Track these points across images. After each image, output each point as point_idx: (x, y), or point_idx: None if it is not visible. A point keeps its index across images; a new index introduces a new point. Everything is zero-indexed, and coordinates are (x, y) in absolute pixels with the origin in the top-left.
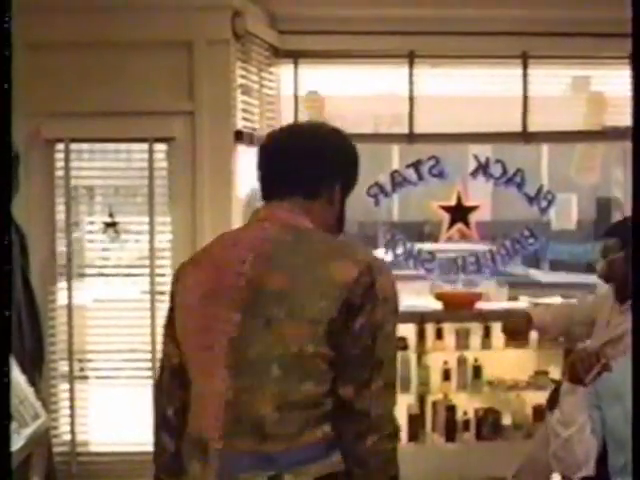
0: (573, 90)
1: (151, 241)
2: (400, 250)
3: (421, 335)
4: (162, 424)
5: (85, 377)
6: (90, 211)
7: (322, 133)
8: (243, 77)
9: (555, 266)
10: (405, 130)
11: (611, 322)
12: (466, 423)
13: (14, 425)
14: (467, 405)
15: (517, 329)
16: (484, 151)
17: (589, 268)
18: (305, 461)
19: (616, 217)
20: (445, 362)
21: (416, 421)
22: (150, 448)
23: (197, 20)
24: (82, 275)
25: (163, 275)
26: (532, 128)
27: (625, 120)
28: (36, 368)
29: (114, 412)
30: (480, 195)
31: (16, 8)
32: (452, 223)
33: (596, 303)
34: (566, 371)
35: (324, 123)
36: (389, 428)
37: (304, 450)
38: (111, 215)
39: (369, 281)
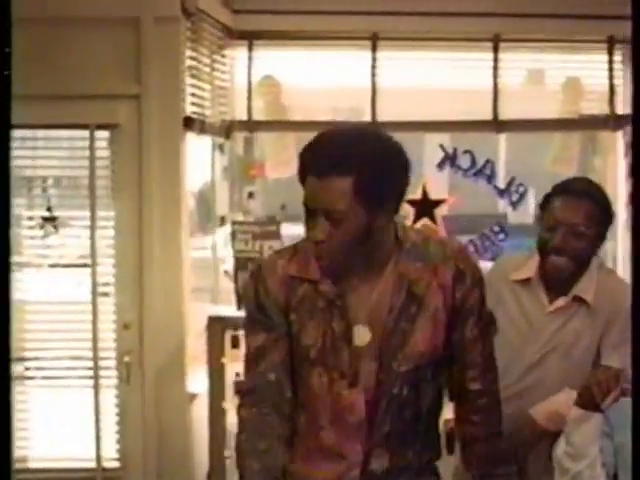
0: (540, 78)
1: (92, 237)
2: None
3: None
4: None
5: (27, 379)
6: (29, 204)
7: None
8: (193, 59)
9: None
10: (366, 119)
11: (536, 323)
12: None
13: None
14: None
15: None
16: (443, 140)
17: None
18: None
19: None
20: None
21: None
22: (94, 464)
23: None
24: (20, 274)
25: (106, 274)
26: (503, 116)
27: (602, 108)
28: None
29: (54, 424)
30: (442, 188)
31: None
32: (417, 218)
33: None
34: (578, 394)
35: None
36: None
37: None
38: (49, 209)
39: None
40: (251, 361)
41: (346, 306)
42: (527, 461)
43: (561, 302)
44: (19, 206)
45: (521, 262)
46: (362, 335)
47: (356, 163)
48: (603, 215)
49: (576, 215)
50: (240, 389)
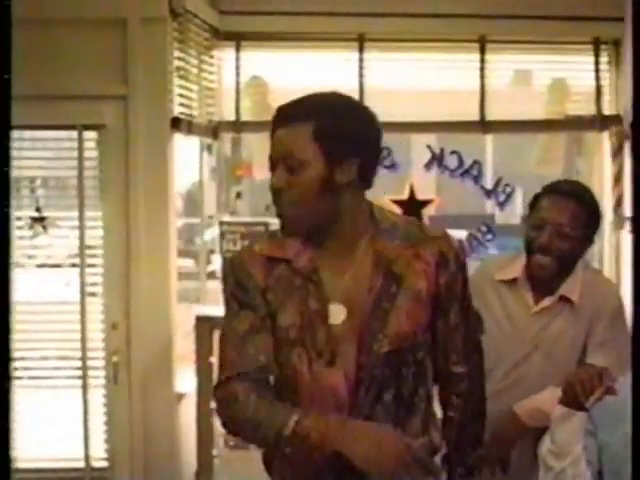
0: (526, 79)
1: (81, 237)
2: None
3: None
4: None
5: (15, 379)
6: (18, 204)
7: None
8: (181, 59)
9: None
10: None
11: (520, 323)
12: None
13: None
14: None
15: None
16: (430, 141)
17: None
18: None
19: None
20: None
21: None
22: (82, 464)
23: None
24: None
25: (94, 274)
26: (490, 117)
27: (589, 109)
28: None
29: (42, 424)
30: (430, 188)
31: None
32: None
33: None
34: (562, 393)
35: None
36: None
37: None
38: (38, 209)
39: None
40: (238, 345)
41: (321, 283)
42: (512, 458)
43: (547, 302)
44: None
45: (506, 262)
46: (337, 313)
47: (315, 109)
48: (590, 218)
49: (562, 216)
50: (228, 375)
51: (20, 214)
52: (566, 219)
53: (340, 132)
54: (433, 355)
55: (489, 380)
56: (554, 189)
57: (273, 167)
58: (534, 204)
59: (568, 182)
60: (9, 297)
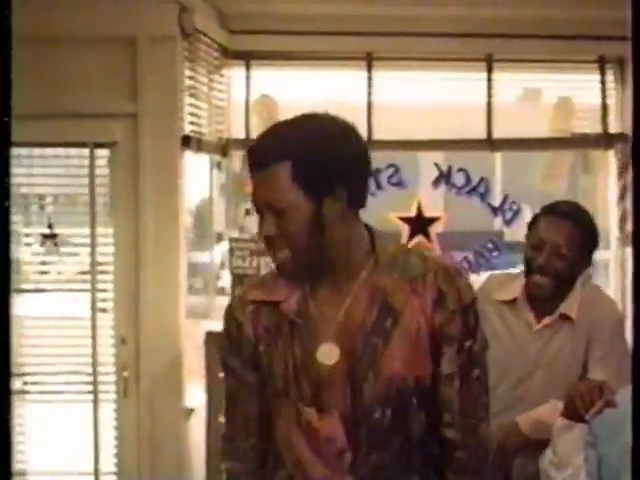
0: (532, 97)
1: (92, 254)
2: None
3: None
4: None
5: (25, 393)
6: (27, 221)
7: None
8: (191, 78)
9: None
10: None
11: (523, 342)
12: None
13: None
14: None
15: None
16: (437, 159)
17: None
18: None
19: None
20: None
21: None
22: (92, 478)
23: (141, 15)
24: (19, 290)
25: (105, 290)
26: (497, 135)
27: (594, 127)
28: None
29: (53, 437)
30: (437, 205)
31: None
32: (412, 235)
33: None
34: (563, 405)
35: None
36: None
37: None
38: (50, 226)
39: None
40: (228, 407)
41: (309, 324)
42: (514, 469)
43: (547, 320)
44: (17, 223)
45: (507, 282)
46: (328, 354)
47: (292, 148)
48: (588, 239)
49: (560, 237)
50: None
51: (30, 231)
52: (563, 240)
53: (322, 167)
54: (426, 412)
55: (495, 396)
56: (552, 210)
57: (259, 211)
58: (532, 224)
59: (566, 203)
60: (9, 313)
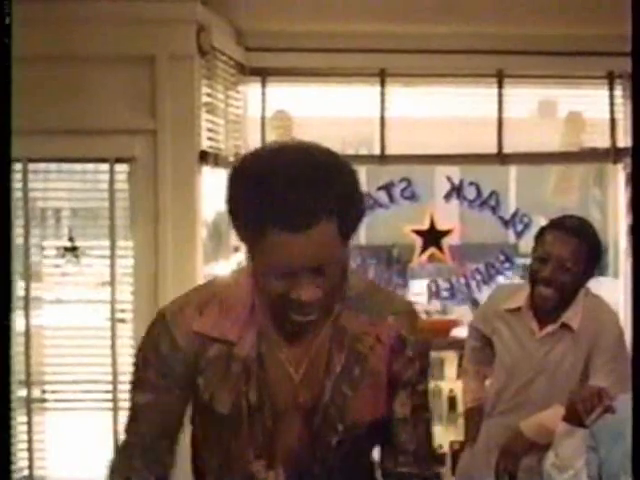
0: (543, 112)
1: (112, 266)
2: (371, 275)
3: None
4: None
5: (43, 404)
6: (48, 234)
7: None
8: (208, 95)
9: None
10: (375, 151)
11: (528, 348)
12: (442, 457)
13: None
14: (442, 438)
15: None
16: (451, 172)
17: None
18: None
19: None
20: None
21: None
22: None
23: (160, 34)
24: (40, 301)
25: (124, 301)
26: (507, 149)
27: (604, 141)
28: None
29: (73, 445)
30: (449, 218)
31: None
32: (425, 247)
33: (493, 317)
34: (565, 411)
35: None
36: None
37: None
38: (71, 239)
39: None
40: (131, 419)
41: (267, 372)
42: (518, 474)
43: (549, 329)
44: (37, 236)
45: (512, 292)
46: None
47: (334, 200)
48: (591, 253)
49: (565, 250)
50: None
51: (52, 243)
52: (568, 254)
53: (359, 216)
54: (381, 454)
55: (501, 397)
56: (559, 224)
57: (289, 274)
58: (539, 237)
59: (573, 218)
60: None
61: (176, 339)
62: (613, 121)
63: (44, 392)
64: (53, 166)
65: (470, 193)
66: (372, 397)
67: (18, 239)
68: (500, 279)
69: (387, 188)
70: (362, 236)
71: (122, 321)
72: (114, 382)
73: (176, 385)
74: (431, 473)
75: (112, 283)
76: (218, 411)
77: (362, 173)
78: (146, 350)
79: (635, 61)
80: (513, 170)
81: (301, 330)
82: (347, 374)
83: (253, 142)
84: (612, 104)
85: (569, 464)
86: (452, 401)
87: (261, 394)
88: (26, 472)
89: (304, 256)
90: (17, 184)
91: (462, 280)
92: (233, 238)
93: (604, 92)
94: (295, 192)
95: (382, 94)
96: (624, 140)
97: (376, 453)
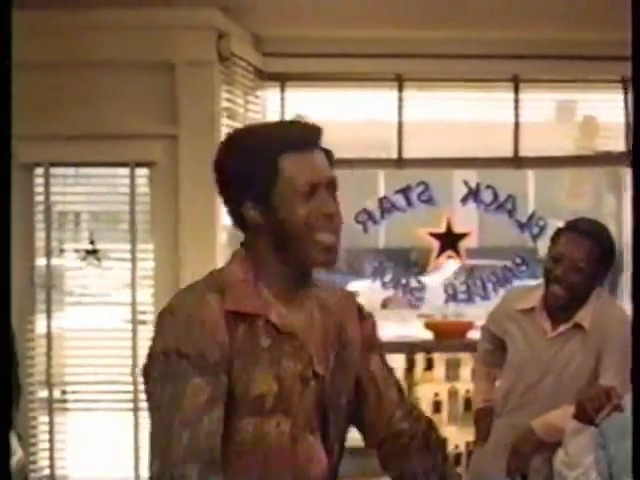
0: (558, 116)
1: (133, 269)
2: (388, 278)
3: (410, 366)
4: None
5: (65, 404)
6: (69, 237)
7: None
8: (227, 100)
9: None
10: (392, 155)
11: (538, 348)
12: (458, 457)
13: None
14: (459, 438)
15: None
16: (468, 176)
17: None
18: None
19: None
20: (436, 394)
21: None
22: None
23: (180, 41)
24: (62, 303)
25: (144, 303)
26: (523, 153)
27: (618, 145)
28: (13, 400)
29: (94, 445)
30: (466, 221)
31: None
32: (442, 250)
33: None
34: (574, 409)
35: None
36: None
37: None
38: (92, 242)
39: None
40: (193, 419)
41: (298, 340)
42: (529, 471)
43: (562, 329)
44: (58, 239)
45: (526, 293)
46: (317, 370)
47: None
48: (604, 255)
49: (578, 251)
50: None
51: (73, 246)
52: (582, 255)
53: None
54: (372, 415)
55: (509, 397)
56: (574, 226)
57: (310, 193)
58: (554, 238)
59: (587, 221)
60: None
61: (206, 324)
62: (627, 125)
63: (65, 393)
64: (71, 170)
65: (487, 197)
66: (356, 361)
67: (39, 242)
68: (516, 282)
69: (405, 192)
70: (380, 239)
71: (142, 323)
72: (134, 383)
73: (218, 373)
74: (422, 426)
75: (133, 285)
76: (253, 394)
77: (380, 177)
78: (179, 343)
79: (635, 66)
80: (530, 174)
81: (307, 284)
82: (342, 345)
83: None
84: (626, 108)
85: (578, 461)
86: (468, 402)
87: (300, 361)
88: (47, 472)
89: (324, 167)
90: (39, 188)
91: (478, 283)
92: None
93: (619, 96)
94: (294, 123)
95: (399, 99)
96: None
97: None
